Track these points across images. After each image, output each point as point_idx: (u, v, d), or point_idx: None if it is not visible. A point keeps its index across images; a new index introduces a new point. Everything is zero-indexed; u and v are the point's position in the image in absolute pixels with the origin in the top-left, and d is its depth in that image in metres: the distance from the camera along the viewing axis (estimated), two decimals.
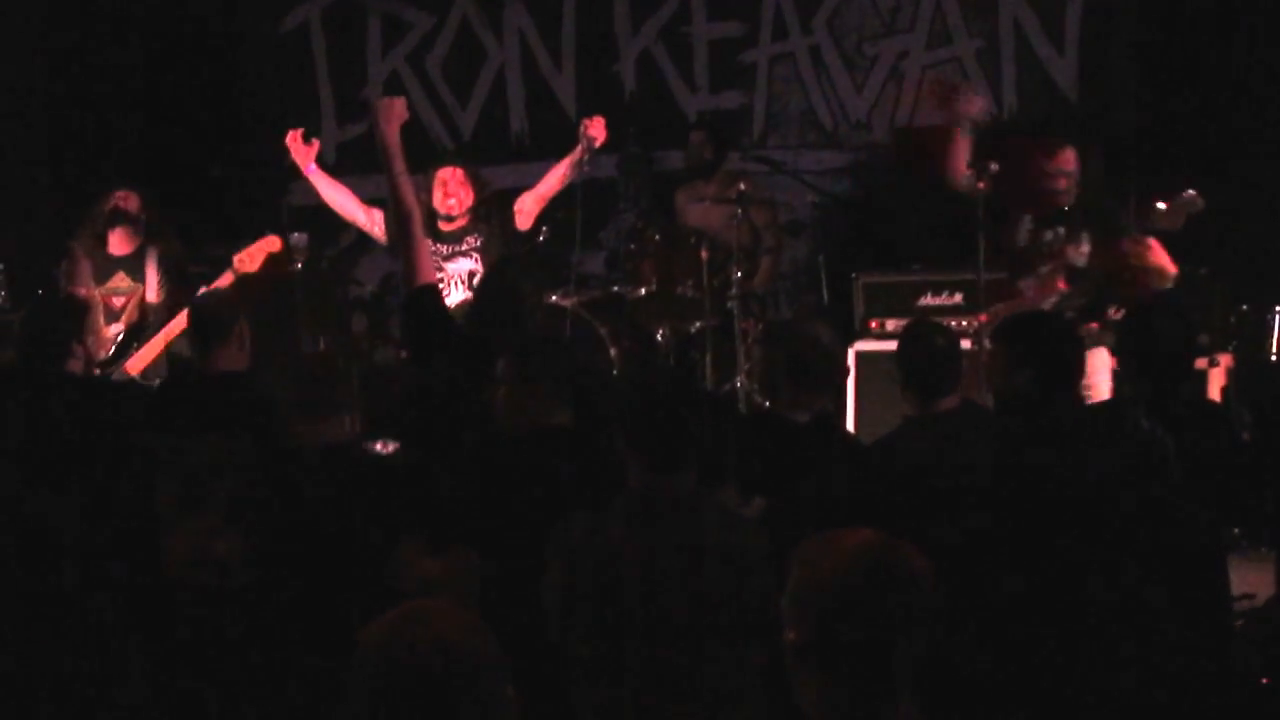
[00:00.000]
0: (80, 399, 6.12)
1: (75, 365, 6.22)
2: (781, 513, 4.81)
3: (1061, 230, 7.45)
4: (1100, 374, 7.02)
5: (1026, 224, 7.58)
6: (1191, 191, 7.28)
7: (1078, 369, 5.18)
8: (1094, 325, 7.13)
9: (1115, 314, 7.04)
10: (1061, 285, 7.44)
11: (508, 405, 5.19)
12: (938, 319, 8.42)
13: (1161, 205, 7.29)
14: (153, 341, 7.52)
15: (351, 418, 5.25)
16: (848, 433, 5.62)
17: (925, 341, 5.55)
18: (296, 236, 8.89)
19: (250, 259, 7.74)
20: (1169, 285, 7.13)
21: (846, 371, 6.08)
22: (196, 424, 5.89)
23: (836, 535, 3.01)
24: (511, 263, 7.18)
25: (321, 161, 8.23)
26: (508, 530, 4.82)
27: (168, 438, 5.86)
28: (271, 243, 7.84)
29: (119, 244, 7.83)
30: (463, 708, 2.78)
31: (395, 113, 6.18)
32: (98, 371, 7.08)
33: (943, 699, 3.09)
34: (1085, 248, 7.41)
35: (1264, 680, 2.81)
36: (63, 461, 5.87)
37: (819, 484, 4.97)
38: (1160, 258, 7.24)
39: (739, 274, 9.45)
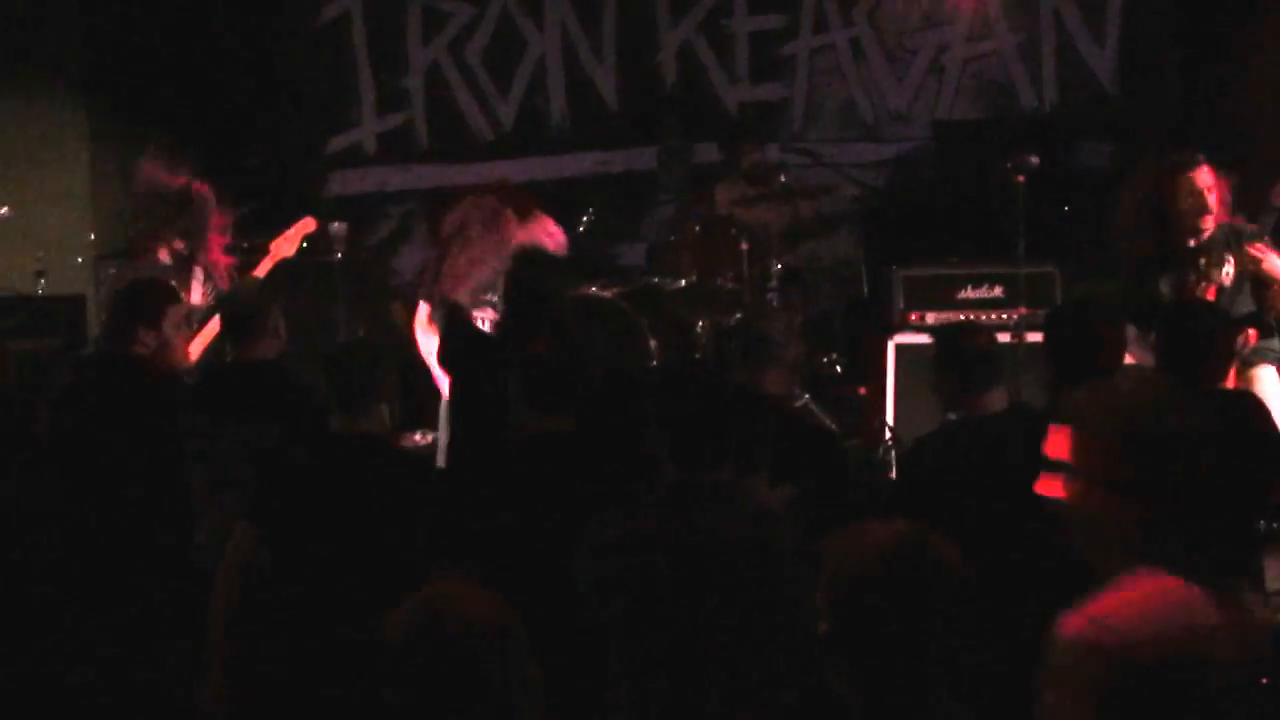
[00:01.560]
0: (129, 383, 6.12)
1: (143, 350, 6.19)
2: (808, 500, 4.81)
3: (1203, 262, 7.22)
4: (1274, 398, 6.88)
5: (1166, 281, 7.32)
6: None
7: (1097, 361, 5.14)
8: (1253, 333, 7.00)
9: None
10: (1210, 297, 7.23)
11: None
12: (977, 312, 8.46)
13: None
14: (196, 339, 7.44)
15: (391, 408, 5.23)
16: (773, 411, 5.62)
17: (958, 344, 5.43)
18: (336, 226, 8.89)
19: (288, 243, 7.76)
20: None
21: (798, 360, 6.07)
22: (231, 412, 5.91)
23: (869, 527, 3.02)
24: (540, 256, 7.12)
25: (361, 151, 8.21)
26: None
27: (202, 423, 5.90)
28: (307, 224, 7.88)
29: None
30: (490, 686, 2.80)
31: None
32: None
33: (976, 688, 3.09)
34: (1229, 269, 7.21)
35: (1264, 680, 2.81)
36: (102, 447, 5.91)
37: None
38: (1275, 266, 7.07)
39: (778, 265, 9.44)
